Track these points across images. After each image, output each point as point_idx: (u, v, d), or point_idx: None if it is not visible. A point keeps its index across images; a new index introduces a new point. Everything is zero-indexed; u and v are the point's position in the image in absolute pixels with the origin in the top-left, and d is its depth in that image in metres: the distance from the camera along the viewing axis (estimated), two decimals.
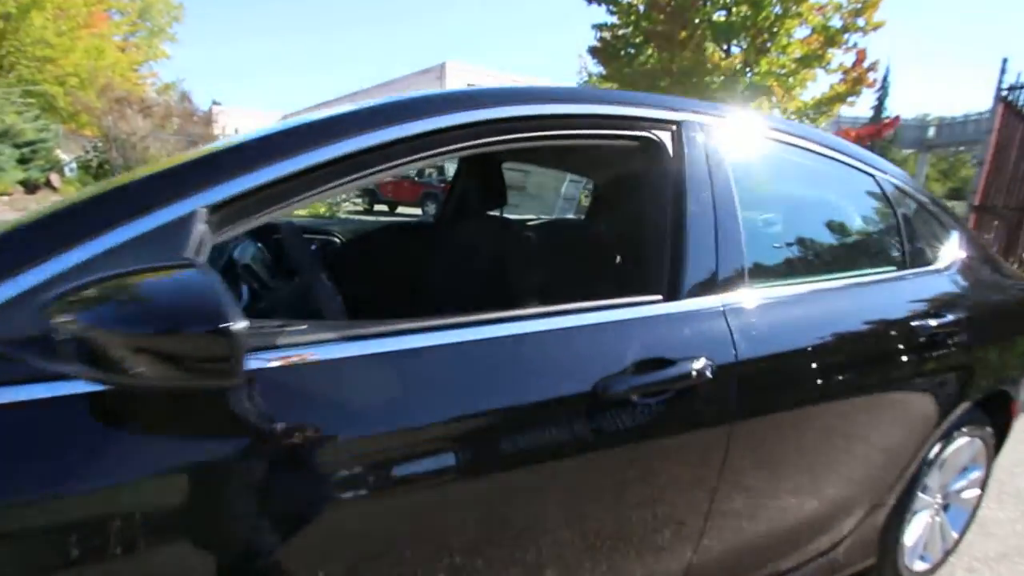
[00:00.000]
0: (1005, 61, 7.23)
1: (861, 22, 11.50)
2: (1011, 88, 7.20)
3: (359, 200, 12.31)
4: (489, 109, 0.85)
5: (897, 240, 1.43)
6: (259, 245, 1.48)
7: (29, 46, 14.39)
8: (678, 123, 1.07)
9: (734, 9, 11.47)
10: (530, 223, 2.67)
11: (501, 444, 0.77)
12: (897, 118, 15.96)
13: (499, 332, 0.80)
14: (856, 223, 1.49)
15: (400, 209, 13.53)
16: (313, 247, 2.11)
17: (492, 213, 1.99)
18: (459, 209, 2.23)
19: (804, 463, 1.16)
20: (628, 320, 0.91)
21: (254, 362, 0.64)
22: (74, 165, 13.10)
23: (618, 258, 1.45)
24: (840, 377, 1.14)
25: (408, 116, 0.79)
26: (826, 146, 1.32)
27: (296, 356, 0.67)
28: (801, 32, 11.69)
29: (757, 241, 1.17)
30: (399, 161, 0.78)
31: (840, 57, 11.82)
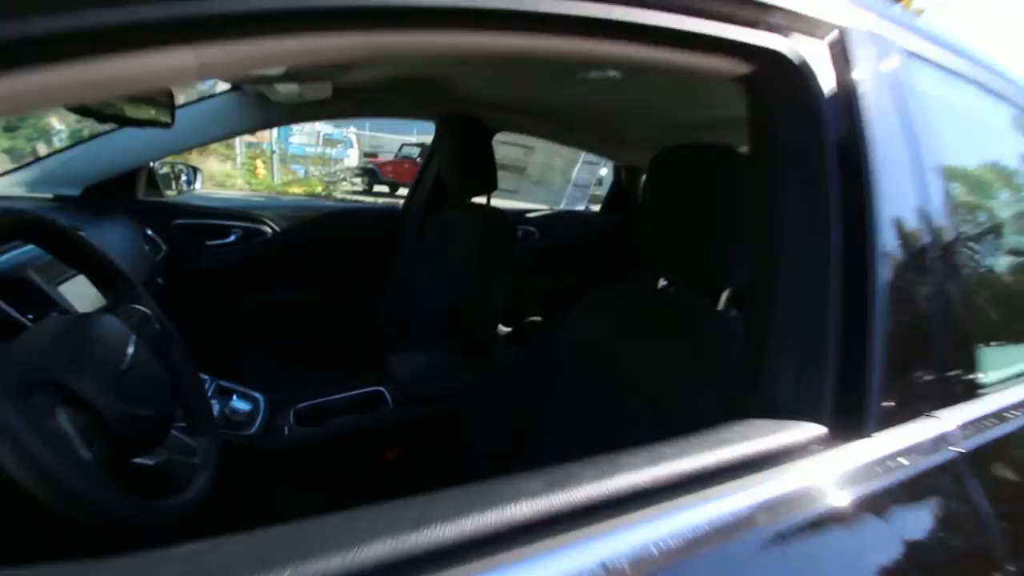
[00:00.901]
0: None
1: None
2: None
3: (357, 181, 11.71)
4: None
5: None
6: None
7: None
8: (842, 31, 0.50)
9: None
10: (529, 215, 2.11)
11: None
12: None
13: None
14: None
15: (401, 191, 12.93)
16: (222, 242, 1.55)
17: (477, 200, 1.42)
18: (434, 193, 1.66)
19: None
20: (744, 517, 0.33)
21: None
22: (63, 135, 12.55)
23: (670, 288, 0.88)
24: None
25: None
26: None
27: None
28: None
29: (989, 281, 0.59)
30: None
31: None
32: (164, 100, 0.91)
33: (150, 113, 0.89)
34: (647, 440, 0.67)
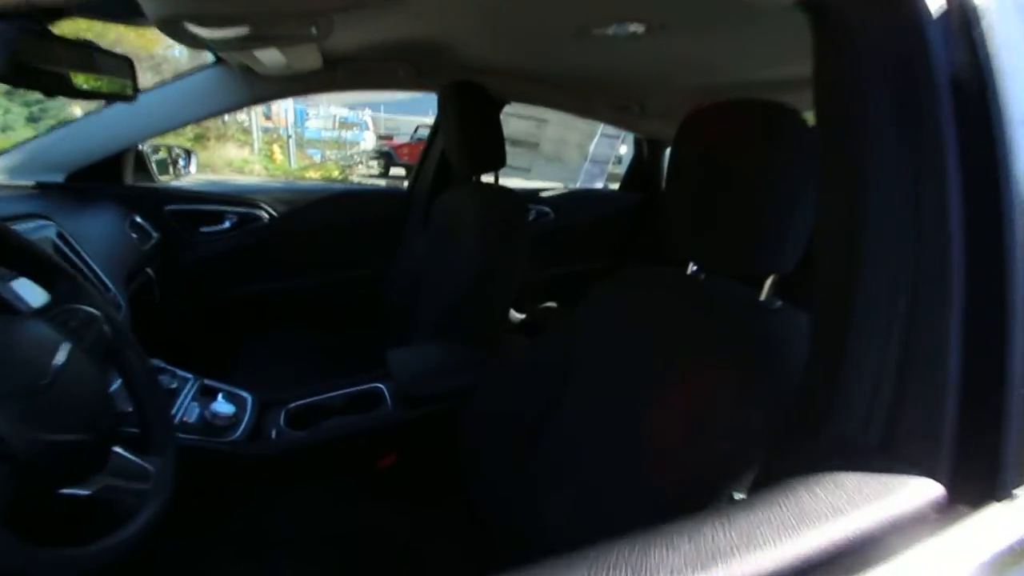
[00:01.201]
0: None
1: None
2: None
3: (373, 164, 11.63)
4: None
5: None
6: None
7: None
8: None
9: None
10: (543, 194, 1.98)
11: None
12: None
13: None
14: None
15: None
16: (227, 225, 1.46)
17: (485, 179, 1.30)
18: (440, 173, 1.55)
19: None
20: None
21: None
22: None
23: (700, 273, 0.76)
24: None
25: None
26: None
27: None
28: None
29: None
30: None
31: None
32: (125, 70, 0.81)
33: (108, 84, 0.79)
34: (668, 449, 0.56)
